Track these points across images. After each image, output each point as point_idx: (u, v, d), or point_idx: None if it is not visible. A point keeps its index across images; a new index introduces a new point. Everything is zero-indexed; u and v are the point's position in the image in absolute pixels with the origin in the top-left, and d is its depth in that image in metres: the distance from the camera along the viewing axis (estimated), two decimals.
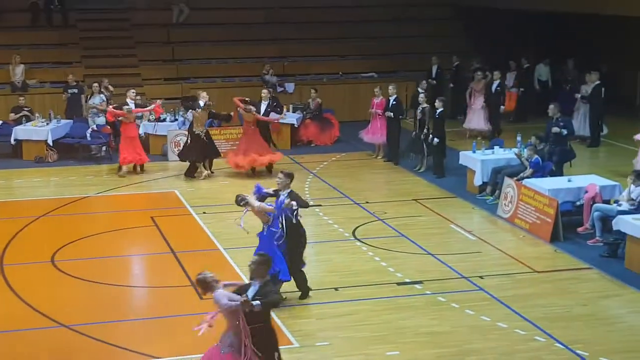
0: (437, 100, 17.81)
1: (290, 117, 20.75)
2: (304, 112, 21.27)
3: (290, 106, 21.52)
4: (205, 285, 7.97)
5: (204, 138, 17.69)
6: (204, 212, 15.26)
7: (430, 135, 17.64)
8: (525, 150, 15.60)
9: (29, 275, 12.31)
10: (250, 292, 7.98)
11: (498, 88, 21.02)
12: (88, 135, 19.46)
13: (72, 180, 17.74)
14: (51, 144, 19.14)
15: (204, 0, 25.57)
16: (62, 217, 15.24)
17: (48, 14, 24.31)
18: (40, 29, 24.24)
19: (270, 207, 10.83)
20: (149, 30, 25.09)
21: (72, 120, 20.11)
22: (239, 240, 13.69)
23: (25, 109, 20.07)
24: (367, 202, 15.89)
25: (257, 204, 10.73)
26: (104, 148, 19.43)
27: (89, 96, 20.44)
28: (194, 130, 17.61)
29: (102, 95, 19.97)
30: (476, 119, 21.23)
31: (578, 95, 20.91)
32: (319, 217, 15.01)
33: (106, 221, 15.07)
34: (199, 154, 17.73)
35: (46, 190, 17.21)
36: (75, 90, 20.79)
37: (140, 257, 13.61)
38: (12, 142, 19.34)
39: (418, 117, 18.10)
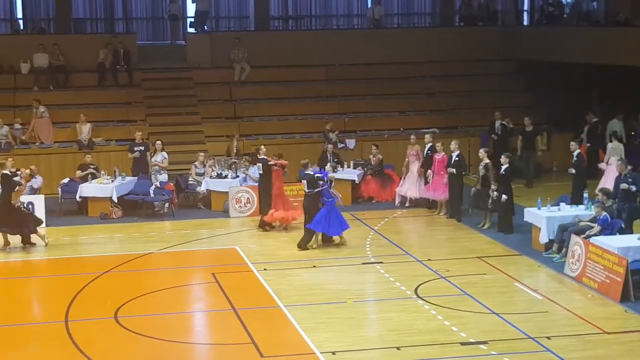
0: (502, 157, 17.55)
1: (351, 173, 20.76)
2: (365, 169, 21.22)
3: (352, 162, 21.52)
4: None
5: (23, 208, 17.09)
6: (265, 269, 15.23)
7: (496, 192, 17.37)
8: (592, 207, 15.26)
9: (93, 331, 12.37)
10: None
11: (429, 152, 19.48)
12: (151, 192, 19.68)
13: (136, 236, 17.91)
14: (116, 200, 19.40)
15: (265, 58, 25.91)
16: (126, 274, 15.36)
17: (114, 74, 24.92)
18: (107, 89, 24.82)
19: None
20: (211, 88, 25.47)
21: (136, 178, 20.39)
22: (300, 297, 13.65)
23: (92, 166, 20.40)
24: (430, 260, 15.67)
25: None
26: (167, 205, 19.62)
27: (152, 154, 20.76)
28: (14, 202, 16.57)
29: (164, 152, 20.27)
30: (408, 184, 20.03)
31: None
32: (381, 274, 14.84)
33: (168, 277, 15.13)
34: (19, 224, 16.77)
35: (110, 246, 17.40)
36: (142, 148, 21.11)
37: (202, 313, 13.59)
38: (78, 199, 19.62)
39: (480, 173, 17.88)
